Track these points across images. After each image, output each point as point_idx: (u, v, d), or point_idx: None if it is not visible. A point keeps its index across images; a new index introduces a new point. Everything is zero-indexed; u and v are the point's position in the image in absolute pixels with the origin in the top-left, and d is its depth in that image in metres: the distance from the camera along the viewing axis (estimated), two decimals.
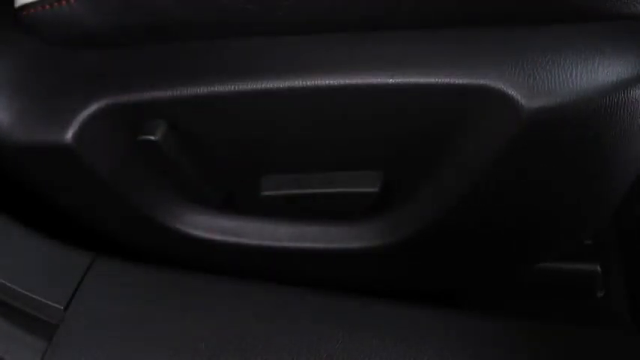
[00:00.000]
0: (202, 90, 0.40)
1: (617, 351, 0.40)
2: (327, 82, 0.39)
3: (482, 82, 0.37)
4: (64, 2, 0.39)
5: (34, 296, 0.40)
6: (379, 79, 0.38)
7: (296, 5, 0.38)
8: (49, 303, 0.40)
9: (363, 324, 0.40)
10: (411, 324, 0.40)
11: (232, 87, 0.40)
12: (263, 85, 0.39)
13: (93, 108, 0.41)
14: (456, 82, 0.38)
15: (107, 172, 0.44)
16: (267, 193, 0.47)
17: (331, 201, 0.47)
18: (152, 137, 0.41)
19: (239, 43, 0.41)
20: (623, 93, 0.37)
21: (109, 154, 0.43)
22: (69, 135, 0.40)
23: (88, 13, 0.40)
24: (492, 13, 0.38)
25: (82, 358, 0.38)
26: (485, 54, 0.38)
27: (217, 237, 0.49)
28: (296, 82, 0.39)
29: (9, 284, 0.41)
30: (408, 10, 0.38)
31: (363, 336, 0.39)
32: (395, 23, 0.39)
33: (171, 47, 0.42)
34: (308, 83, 0.39)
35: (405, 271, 0.53)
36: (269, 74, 0.39)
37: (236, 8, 0.39)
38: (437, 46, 0.39)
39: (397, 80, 0.38)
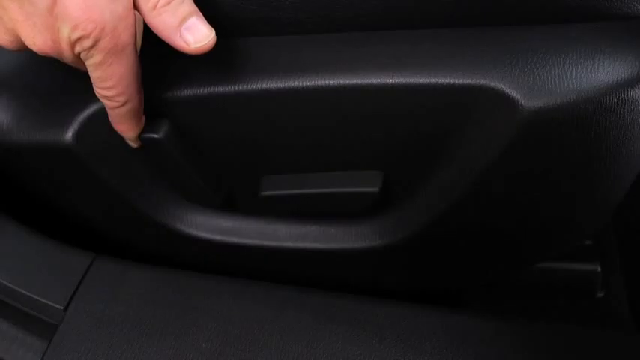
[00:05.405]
0: (202, 90, 0.40)
1: (617, 351, 0.40)
2: (327, 82, 0.39)
3: (482, 82, 0.37)
4: None
5: (34, 296, 0.40)
6: (379, 79, 0.38)
7: (297, 5, 0.38)
8: (49, 303, 0.40)
9: (363, 324, 0.40)
10: (411, 324, 0.40)
11: (232, 87, 0.40)
12: (263, 85, 0.39)
13: (93, 108, 0.41)
14: (456, 82, 0.38)
15: (107, 172, 0.44)
16: (267, 193, 0.47)
17: (331, 201, 0.47)
18: (155, 135, 0.41)
19: (239, 43, 0.41)
20: (623, 93, 0.37)
21: (109, 154, 0.43)
22: (69, 135, 0.40)
23: None
24: (492, 13, 0.38)
25: (82, 358, 0.38)
26: (485, 54, 0.38)
27: (217, 237, 0.49)
28: (296, 82, 0.39)
29: (9, 284, 0.41)
30: (408, 10, 0.38)
31: (363, 336, 0.39)
32: (395, 23, 0.39)
33: (171, 47, 0.42)
34: (308, 83, 0.39)
35: (405, 271, 0.53)
36: (269, 74, 0.39)
37: (236, 8, 0.39)
38: (437, 46, 0.39)
39: (397, 80, 0.38)
